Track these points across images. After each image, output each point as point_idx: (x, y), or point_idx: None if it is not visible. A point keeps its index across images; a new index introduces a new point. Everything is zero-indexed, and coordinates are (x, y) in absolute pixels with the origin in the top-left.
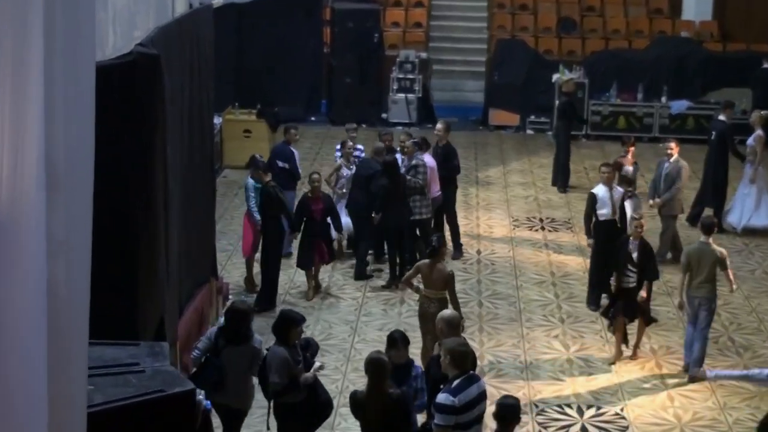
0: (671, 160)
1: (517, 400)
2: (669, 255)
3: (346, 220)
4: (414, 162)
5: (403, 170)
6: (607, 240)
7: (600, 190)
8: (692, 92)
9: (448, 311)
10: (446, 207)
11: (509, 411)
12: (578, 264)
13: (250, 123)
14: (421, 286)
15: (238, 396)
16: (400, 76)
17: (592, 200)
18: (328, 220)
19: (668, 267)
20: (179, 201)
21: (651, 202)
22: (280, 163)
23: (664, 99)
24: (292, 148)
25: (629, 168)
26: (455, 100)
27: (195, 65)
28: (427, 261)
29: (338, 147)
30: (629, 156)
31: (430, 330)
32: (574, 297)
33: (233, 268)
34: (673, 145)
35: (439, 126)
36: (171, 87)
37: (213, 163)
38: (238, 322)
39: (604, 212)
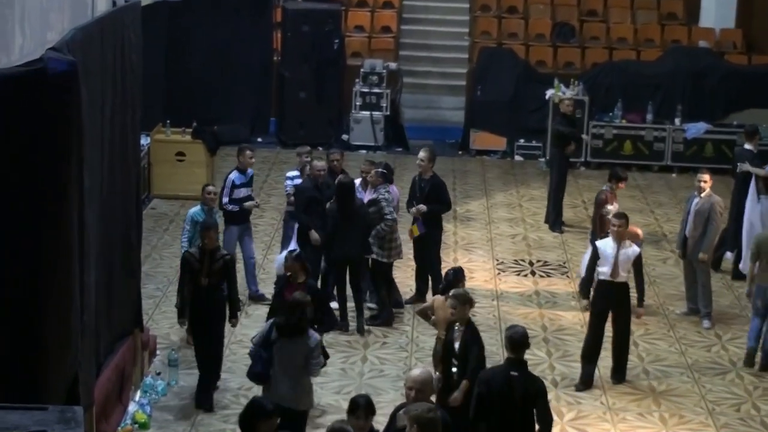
0: (703, 194)
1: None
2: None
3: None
4: (376, 195)
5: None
6: (603, 305)
7: (605, 244)
8: (711, 113)
9: (418, 370)
10: (429, 252)
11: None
12: (574, 317)
13: (183, 145)
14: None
15: (290, 393)
16: (365, 90)
17: (595, 255)
18: None
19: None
20: (98, 238)
21: (701, 256)
22: (246, 191)
23: (677, 121)
24: (251, 173)
25: (611, 207)
26: (430, 119)
27: (119, 75)
28: (440, 298)
29: (288, 175)
30: (615, 192)
31: None
32: (570, 355)
33: (162, 318)
34: (707, 177)
35: (422, 155)
36: (89, 100)
37: (139, 192)
38: (290, 313)
39: (604, 270)
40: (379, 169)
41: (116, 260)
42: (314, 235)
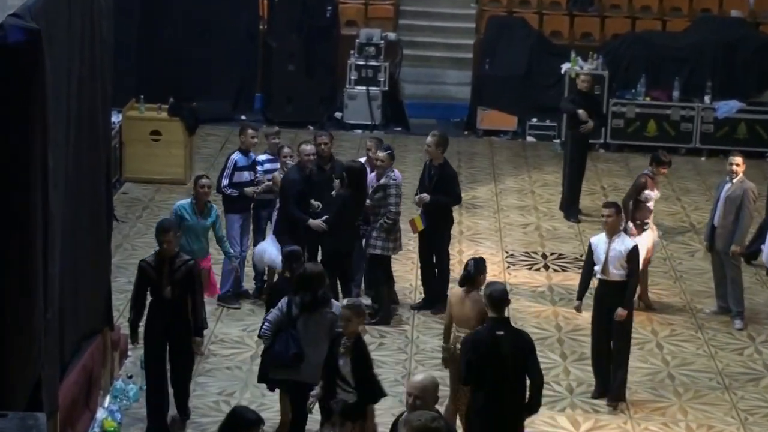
0: (735, 180)
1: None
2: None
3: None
4: (384, 181)
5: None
6: (598, 306)
7: (599, 239)
8: (744, 90)
9: (420, 375)
10: (439, 247)
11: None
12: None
13: (159, 122)
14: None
15: (316, 370)
16: (360, 63)
17: (589, 252)
18: None
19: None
20: (63, 226)
21: (733, 248)
22: (249, 175)
23: (707, 99)
24: (254, 157)
25: (652, 194)
26: (433, 95)
27: (87, 44)
28: (458, 291)
29: (259, 159)
30: (657, 177)
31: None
32: (586, 358)
33: None
34: (738, 160)
35: (430, 140)
36: (54, 72)
37: (109, 175)
38: (312, 287)
39: (596, 268)
40: (390, 151)
41: (84, 251)
42: (316, 222)
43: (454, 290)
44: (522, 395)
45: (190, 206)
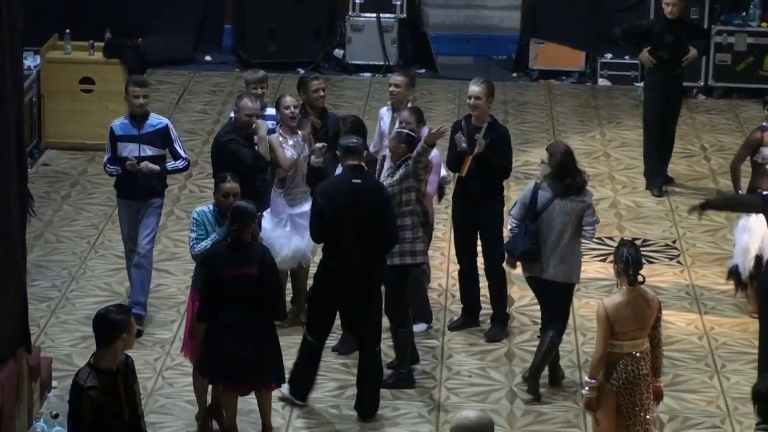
0: None
1: None
2: None
3: (296, 244)
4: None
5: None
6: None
7: None
8: None
9: (473, 413)
10: (488, 232)
11: None
12: (690, 323)
13: (92, 66)
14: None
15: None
16: None
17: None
18: None
19: None
20: None
21: None
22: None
23: None
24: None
25: None
26: (469, 24)
27: None
28: (617, 297)
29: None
30: None
31: (643, 403)
32: (683, 383)
33: (61, 332)
34: None
35: (476, 89)
36: None
37: (22, 140)
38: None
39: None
40: (404, 131)
41: None
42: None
43: (613, 299)
44: None
45: (213, 214)
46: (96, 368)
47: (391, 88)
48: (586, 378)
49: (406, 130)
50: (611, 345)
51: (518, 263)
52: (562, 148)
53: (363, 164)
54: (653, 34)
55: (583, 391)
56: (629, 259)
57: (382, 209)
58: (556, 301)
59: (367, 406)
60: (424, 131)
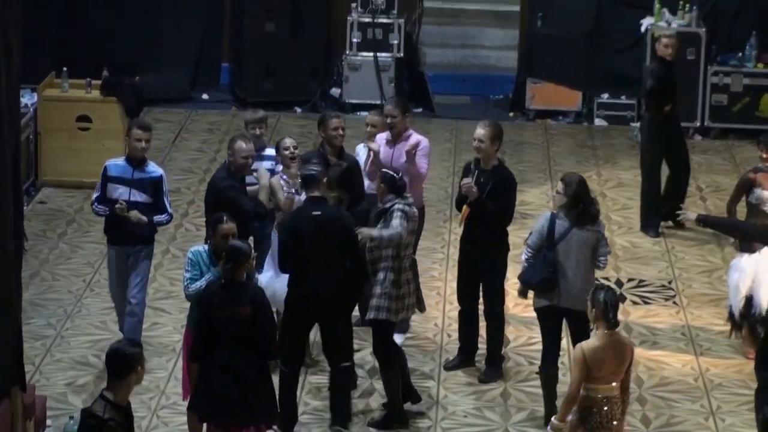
0: None
1: None
2: None
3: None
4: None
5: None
6: None
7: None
8: None
9: None
10: (489, 275)
11: None
12: (685, 365)
13: (89, 104)
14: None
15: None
16: (365, 20)
17: None
18: None
19: None
20: None
21: None
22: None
23: None
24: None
25: (766, 193)
26: (466, 64)
27: None
28: (594, 341)
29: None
30: None
31: None
32: (677, 424)
33: (56, 370)
34: None
35: (482, 132)
36: None
37: (18, 178)
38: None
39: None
40: (388, 171)
41: None
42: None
43: (589, 342)
44: None
45: (208, 254)
46: (110, 401)
47: (388, 120)
48: (553, 419)
49: (390, 171)
50: (587, 389)
51: (530, 293)
52: (577, 178)
53: (323, 195)
54: (668, 80)
55: (548, 430)
56: (608, 303)
57: (345, 238)
58: (575, 326)
59: (335, 412)
60: (413, 138)
